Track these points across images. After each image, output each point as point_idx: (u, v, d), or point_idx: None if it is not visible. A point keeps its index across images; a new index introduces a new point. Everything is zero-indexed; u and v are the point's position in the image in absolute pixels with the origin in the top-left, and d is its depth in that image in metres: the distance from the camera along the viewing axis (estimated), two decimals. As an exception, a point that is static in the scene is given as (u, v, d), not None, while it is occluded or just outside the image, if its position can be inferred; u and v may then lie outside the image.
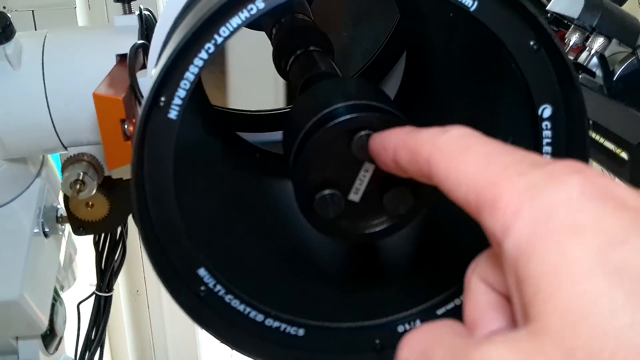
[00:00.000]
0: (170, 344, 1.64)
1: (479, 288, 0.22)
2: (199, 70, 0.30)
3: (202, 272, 0.33)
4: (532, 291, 0.17)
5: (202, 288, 0.33)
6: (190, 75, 0.30)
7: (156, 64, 0.39)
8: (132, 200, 0.30)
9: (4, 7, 1.30)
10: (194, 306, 0.33)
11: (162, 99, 0.30)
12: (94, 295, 0.70)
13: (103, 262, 0.68)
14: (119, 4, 0.52)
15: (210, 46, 0.29)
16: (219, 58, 0.69)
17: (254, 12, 0.29)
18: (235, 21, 0.29)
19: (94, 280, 0.72)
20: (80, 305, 0.72)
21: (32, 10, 1.30)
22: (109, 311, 0.70)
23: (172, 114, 0.30)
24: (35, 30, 1.27)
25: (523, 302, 0.18)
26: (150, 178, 0.31)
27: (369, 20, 0.69)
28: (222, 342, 0.33)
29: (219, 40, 0.29)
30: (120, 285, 1.54)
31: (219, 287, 0.33)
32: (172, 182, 0.31)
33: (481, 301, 0.22)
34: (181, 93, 0.30)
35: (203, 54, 0.29)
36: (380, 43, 0.61)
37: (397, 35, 0.59)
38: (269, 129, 0.60)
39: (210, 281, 0.33)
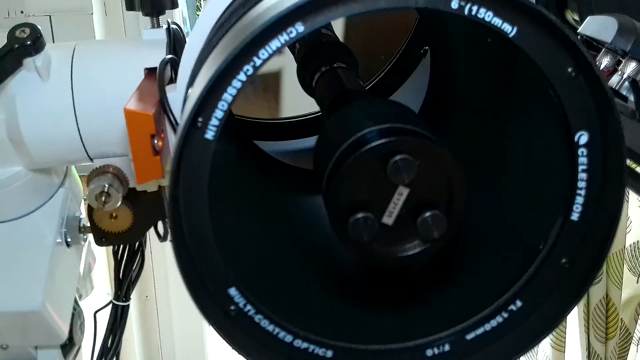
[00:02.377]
0: (178, 350, 1.63)
1: None
2: (237, 91, 0.30)
3: (232, 291, 0.33)
4: None
5: (232, 307, 0.33)
6: (228, 96, 0.30)
7: (190, 83, 0.39)
8: (168, 219, 0.30)
9: (22, 12, 1.31)
10: (225, 325, 0.33)
11: (200, 119, 0.30)
12: (110, 304, 0.71)
13: (121, 272, 0.68)
14: (136, 12, 0.52)
15: (248, 68, 0.30)
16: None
17: (293, 35, 0.29)
18: (274, 44, 0.29)
19: (110, 289, 0.72)
20: (97, 314, 0.72)
21: (49, 16, 1.31)
22: (125, 320, 0.70)
23: (209, 135, 0.30)
24: (52, 35, 1.29)
25: None
26: (186, 196, 0.31)
27: (385, 29, 0.69)
28: (251, 363, 0.33)
29: (258, 62, 0.30)
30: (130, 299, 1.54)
31: (249, 306, 0.33)
32: (207, 201, 0.31)
33: None
34: (218, 114, 0.30)
35: (242, 76, 0.30)
36: (394, 52, 0.61)
37: (413, 43, 0.59)
38: (290, 137, 0.60)
39: (240, 301, 0.33)
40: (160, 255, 1.45)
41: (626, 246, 1.51)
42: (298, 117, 0.63)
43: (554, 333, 1.53)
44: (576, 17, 0.49)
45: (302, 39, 0.55)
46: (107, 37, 1.35)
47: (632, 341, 1.57)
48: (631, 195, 1.32)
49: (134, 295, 1.60)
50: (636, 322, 1.56)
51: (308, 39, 0.55)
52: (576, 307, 1.59)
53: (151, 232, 0.63)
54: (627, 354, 1.58)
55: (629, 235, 1.52)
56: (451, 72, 0.51)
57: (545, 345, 1.55)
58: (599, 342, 1.57)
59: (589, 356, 1.59)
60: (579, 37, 0.44)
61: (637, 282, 1.56)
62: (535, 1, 0.53)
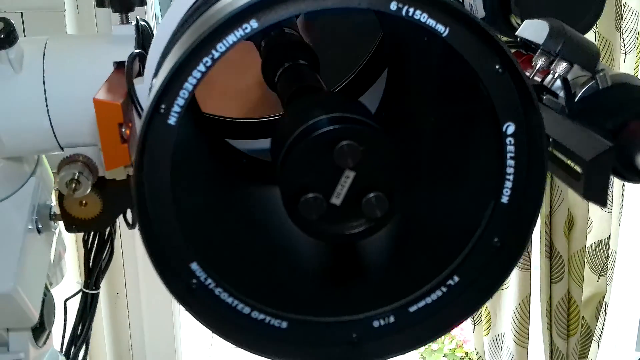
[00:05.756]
0: (148, 347, 1.64)
1: None
2: (197, 81, 0.33)
3: (194, 266, 0.36)
4: None
5: (194, 281, 0.36)
6: (189, 85, 0.33)
7: (155, 74, 0.42)
8: (133, 200, 0.33)
9: (-7, 9, 1.31)
10: (186, 297, 0.36)
11: (163, 106, 0.33)
12: (80, 293, 0.72)
13: (91, 261, 0.70)
14: (107, 10, 0.54)
15: (207, 60, 0.33)
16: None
17: (248, 30, 0.32)
18: (231, 38, 0.32)
19: (81, 278, 0.74)
20: (67, 302, 0.74)
21: (21, 12, 1.31)
22: (95, 308, 0.72)
23: (172, 120, 0.33)
24: (24, 32, 1.29)
25: None
26: (150, 179, 0.34)
27: (352, 38, 0.72)
28: (212, 332, 0.36)
29: (216, 55, 0.33)
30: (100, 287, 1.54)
31: (209, 280, 0.36)
32: (169, 183, 0.34)
33: None
34: (180, 101, 0.33)
35: (201, 67, 0.33)
36: (359, 59, 0.64)
37: (379, 53, 0.63)
38: (256, 136, 0.63)
39: (201, 275, 0.36)
40: (131, 252, 1.46)
41: (587, 246, 1.56)
42: (270, 116, 0.66)
43: (517, 330, 1.58)
44: (519, 22, 0.53)
45: (268, 37, 0.58)
46: (79, 34, 1.35)
47: (593, 338, 1.63)
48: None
49: (104, 292, 1.60)
50: (597, 319, 1.62)
51: (273, 37, 0.58)
52: (539, 304, 1.62)
53: (123, 229, 0.65)
54: (589, 351, 1.64)
55: (590, 235, 1.57)
56: (402, 77, 0.55)
57: (509, 342, 1.60)
58: (561, 339, 1.62)
59: (551, 352, 1.64)
60: (518, 38, 0.48)
61: (597, 281, 1.61)
62: (483, 5, 0.57)
